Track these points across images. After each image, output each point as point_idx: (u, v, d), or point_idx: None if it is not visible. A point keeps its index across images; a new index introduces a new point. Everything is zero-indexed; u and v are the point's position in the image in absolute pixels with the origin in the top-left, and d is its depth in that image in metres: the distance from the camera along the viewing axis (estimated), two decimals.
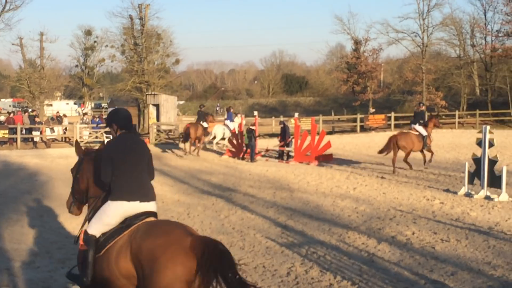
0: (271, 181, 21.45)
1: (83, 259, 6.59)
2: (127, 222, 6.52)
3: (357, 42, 64.77)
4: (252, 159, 28.53)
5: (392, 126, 48.23)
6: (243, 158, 28.96)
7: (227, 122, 35.41)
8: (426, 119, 25.35)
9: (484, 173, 17.15)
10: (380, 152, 24.24)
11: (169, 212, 15.72)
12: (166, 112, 46.07)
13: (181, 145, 33.75)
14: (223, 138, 34.56)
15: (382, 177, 21.74)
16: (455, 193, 17.77)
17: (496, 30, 59.26)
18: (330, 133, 41.60)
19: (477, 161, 17.62)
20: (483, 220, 13.93)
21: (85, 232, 6.70)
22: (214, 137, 34.53)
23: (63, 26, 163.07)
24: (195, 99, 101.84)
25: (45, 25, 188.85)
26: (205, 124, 32.27)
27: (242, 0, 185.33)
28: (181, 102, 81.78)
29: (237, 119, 34.43)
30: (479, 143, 17.62)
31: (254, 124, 30.07)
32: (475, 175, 17.66)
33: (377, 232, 12.89)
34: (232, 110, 38.10)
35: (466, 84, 63.05)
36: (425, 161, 24.33)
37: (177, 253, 5.80)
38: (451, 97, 63.19)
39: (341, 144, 36.31)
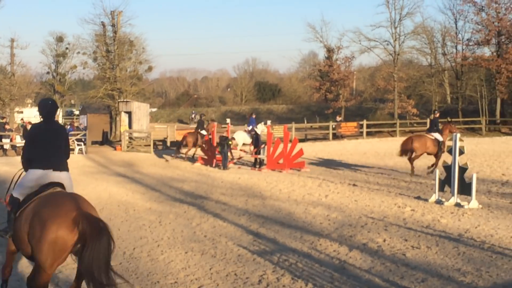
0: (243, 189, 21.44)
1: (8, 217, 8.17)
2: (39, 190, 7.90)
3: (329, 50, 65.08)
4: (225, 167, 28.51)
5: (364, 133, 48.51)
6: (225, 167, 28.81)
7: (249, 128, 36.07)
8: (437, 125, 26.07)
9: (455, 180, 17.28)
10: (402, 154, 25.11)
11: (140, 220, 15.64)
12: (138, 120, 45.88)
13: (183, 150, 33.72)
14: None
15: (354, 185, 21.83)
16: (426, 200, 17.90)
17: (467, 39, 59.92)
18: (302, 140, 41.67)
19: (448, 168, 17.77)
20: (453, 227, 14.03)
21: (11, 195, 8.21)
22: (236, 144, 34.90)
23: (35, 33, 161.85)
24: (167, 106, 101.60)
25: (16, 31, 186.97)
26: (203, 132, 32.47)
27: (214, 7, 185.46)
28: (154, 110, 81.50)
29: (260, 126, 34.65)
30: (450, 150, 17.77)
31: (227, 132, 30.11)
32: (445, 182, 17.80)
33: (349, 239, 12.93)
34: (254, 116, 39.03)
35: (437, 92, 63.62)
36: (433, 165, 24.79)
37: (62, 222, 7.10)
38: (423, 105, 63.73)
39: (314, 151, 36.42)
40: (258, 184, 22.58)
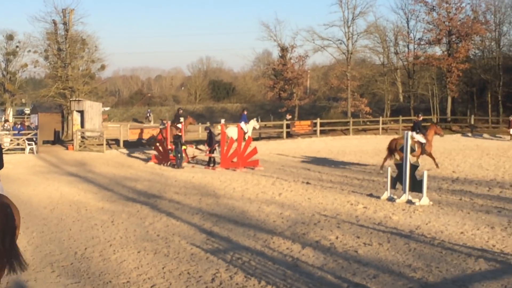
0: (197, 188, 21.38)
1: None
2: None
3: (283, 49, 65.24)
4: (179, 166, 28.40)
5: (318, 132, 48.75)
6: (178, 166, 28.64)
7: (242, 124, 36.08)
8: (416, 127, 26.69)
9: (406, 178, 17.49)
10: (390, 156, 25.12)
11: (92, 219, 15.49)
12: (91, 119, 45.34)
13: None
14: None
15: (307, 183, 21.93)
16: (378, 197, 18.08)
17: (419, 38, 60.67)
18: (256, 139, 41.73)
19: (399, 166, 17.98)
20: (404, 223, 14.20)
21: None
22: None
23: None
24: (121, 105, 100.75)
25: None
26: (179, 126, 33.13)
27: (169, 6, 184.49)
28: (107, 108, 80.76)
29: (252, 122, 36.89)
30: (401, 148, 17.98)
31: (180, 130, 29.98)
32: (397, 180, 18.00)
33: (302, 237, 12.99)
34: (245, 112, 39.46)
35: (389, 90, 64.27)
36: (436, 164, 25.73)
37: None
38: (375, 104, 64.35)
39: (268, 150, 36.49)
40: (212, 183, 22.54)
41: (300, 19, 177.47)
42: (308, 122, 50.13)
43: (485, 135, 46.86)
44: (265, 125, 53.32)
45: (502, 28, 61.22)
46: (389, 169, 18.31)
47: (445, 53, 57.37)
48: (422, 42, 59.71)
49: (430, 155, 26.11)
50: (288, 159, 31.61)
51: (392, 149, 25.01)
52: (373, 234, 13.04)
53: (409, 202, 17.11)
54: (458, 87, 58.11)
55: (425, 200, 16.86)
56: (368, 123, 55.68)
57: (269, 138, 47.06)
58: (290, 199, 18.34)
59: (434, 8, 57.58)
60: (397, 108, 63.58)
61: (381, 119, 53.30)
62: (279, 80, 62.71)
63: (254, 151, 28.07)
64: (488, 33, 58.98)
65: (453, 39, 56.85)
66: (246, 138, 34.94)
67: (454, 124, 56.30)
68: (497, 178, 22.53)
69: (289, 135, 47.53)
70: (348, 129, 51.52)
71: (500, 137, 45.92)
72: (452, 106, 58.96)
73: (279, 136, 47.92)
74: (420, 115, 28.67)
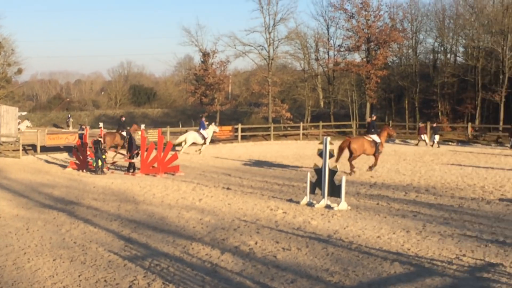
0: (116, 194, 21.07)
1: None
2: None
3: (205, 54, 65.09)
4: (99, 171, 27.94)
5: (239, 137, 48.83)
6: (97, 172, 28.12)
7: (201, 130, 37.66)
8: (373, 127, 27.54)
9: (325, 183, 17.70)
10: (337, 160, 25.88)
11: (7, 227, 15.06)
12: (6, 124, 44.14)
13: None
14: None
15: (228, 188, 21.91)
16: (298, 202, 18.23)
17: (338, 45, 61.61)
18: (179, 144, 41.53)
19: (318, 171, 18.16)
20: (323, 228, 14.36)
21: None
22: (184, 143, 37.10)
23: None
24: (38, 110, 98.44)
25: None
26: (124, 134, 33.54)
27: (89, 9, 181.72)
28: (24, 113, 78.81)
29: (211, 127, 38.09)
30: (320, 153, 18.17)
31: (100, 136, 29.55)
32: (316, 185, 18.18)
33: (221, 242, 12.96)
34: (203, 119, 39.81)
35: (310, 96, 65.05)
36: (372, 166, 27.05)
37: None
38: (296, 109, 65.00)
39: (188, 156, 36.34)
40: (131, 189, 22.27)
41: (222, 24, 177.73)
42: (229, 128, 50.17)
43: (397, 140, 47.88)
44: (186, 130, 52.98)
45: (419, 36, 62.91)
46: (308, 174, 18.48)
47: (364, 60, 58.47)
48: (341, 49, 60.70)
49: (378, 155, 27.10)
50: (209, 165, 31.53)
51: (343, 148, 26.19)
52: (292, 239, 13.12)
53: (328, 207, 17.31)
54: (376, 94, 59.33)
55: (343, 205, 17.10)
56: (289, 128, 56.16)
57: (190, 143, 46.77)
58: (210, 204, 18.29)
59: (354, 15, 58.63)
60: (317, 114, 64.40)
61: (301, 124, 53.81)
62: (201, 85, 62.58)
63: (175, 156, 27.88)
64: (405, 40, 60.42)
65: (372, 46, 58.00)
66: (207, 143, 37.68)
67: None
68: (413, 183, 23.05)
69: (211, 141, 47.41)
70: (269, 134, 51.80)
71: (408, 142, 47.47)
72: (371, 112, 59.91)
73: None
74: (373, 115, 29.63)
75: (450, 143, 46.83)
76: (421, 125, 46.78)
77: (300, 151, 40.05)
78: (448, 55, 63.71)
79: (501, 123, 51.05)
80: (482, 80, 55.79)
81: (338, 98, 65.33)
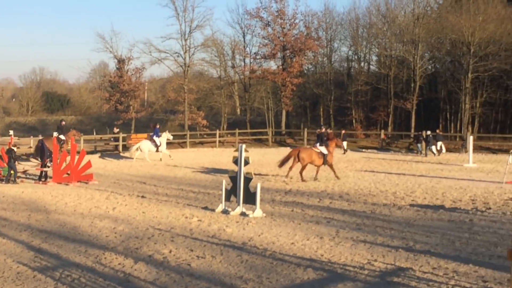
0: (27, 203, 20.51)
1: None
2: None
3: (120, 61, 64.25)
4: (9, 180, 27.10)
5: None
6: (7, 181, 27.25)
7: (154, 137, 38.43)
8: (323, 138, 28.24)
9: (240, 190, 17.72)
10: (281, 164, 27.54)
11: None
12: None
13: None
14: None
15: (142, 197, 21.67)
16: (213, 210, 18.19)
17: (254, 53, 61.93)
18: (91, 152, 40.89)
19: (234, 178, 18.17)
20: (238, 235, 14.36)
21: None
22: (139, 151, 38.22)
23: None
24: None
25: None
26: (62, 137, 33.66)
27: None
28: None
29: (165, 135, 39.04)
30: (236, 161, 18.19)
31: (14, 144, 28.74)
32: (231, 192, 18.19)
33: (135, 251, 12.79)
34: (158, 126, 40.54)
35: (226, 104, 65.13)
36: (317, 175, 27.43)
37: None
38: (213, 117, 64.98)
39: (103, 163, 35.81)
40: (42, 198, 21.73)
41: (137, 31, 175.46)
42: (145, 135, 49.52)
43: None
44: (101, 138, 52.23)
45: (333, 45, 63.96)
46: (224, 182, 18.47)
47: (280, 67, 58.98)
48: (258, 57, 61.03)
49: (331, 166, 27.49)
50: (123, 173, 31.14)
51: (290, 157, 27.10)
52: (207, 247, 13.07)
53: (243, 214, 17.34)
54: (292, 101, 59.97)
55: (258, 212, 17.16)
56: (205, 136, 56.05)
57: (105, 151, 46.14)
58: (124, 213, 18.04)
59: (269, 23, 59.10)
60: (234, 121, 64.55)
61: (218, 132, 53.78)
62: (116, 92, 61.68)
63: (88, 164, 27.39)
64: (320, 49, 61.30)
65: (288, 54, 58.59)
66: (162, 152, 38.44)
67: (288, 137, 57.93)
68: (327, 190, 23.37)
69: (126, 149, 46.85)
70: (185, 142, 51.52)
71: None
72: (286, 120, 60.65)
73: (116, 150, 47.09)
74: (322, 127, 31.00)
75: (363, 150, 47.73)
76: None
77: (216, 158, 40.04)
78: (362, 64, 65.08)
79: (412, 130, 52.35)
80: (394, 88, 57.14)
81: (255, 106, 65.67)
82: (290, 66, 57.22)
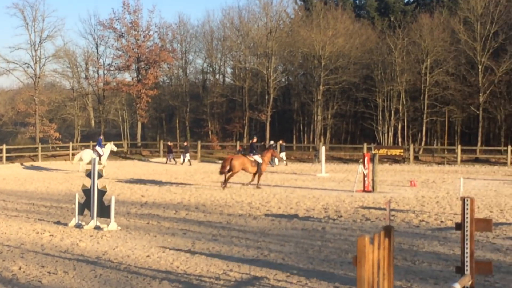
0: None
1: None
2: None
3: None
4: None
5: (4, 159, 46.43)
6: None
7: (97, 148, 38.80)
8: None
9: (94, 203, 17.34)
10: (221, 172, 28.06)
11: None
12: None
13: None
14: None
15: None
16: (66, 224, 17.68)
17: (108, 64, 61.30)
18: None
19: (87, 192, 17.76)
20: (91, 250, 14.03)
21: None
22: (81, 160, 38.04)
23: None
24: None
25: None
26: None
27: None
28: None
29: (109, 146, 39.59)
30: (89, 174, 17.80)
31: None
32: (85, 206, 17.75)
33: None
34: (101, 137, 41.21)
35: (80, 116, 63.88)
36: (252, 181, 28.77)
37: None
38: (66, 129, 63.54)
39: None
40: None
41: None
42: None
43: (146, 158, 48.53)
44: None
45: (188, 57, 64.39)
46: (77, 195, 18.01)
47: (135, 79, 58.58)
48: (112, 68, 60.45)
49: (260, 175, 28.62)
50: None
51: (226, 166, 27.75)
52: (59, 262, 12.67)
53: (97, 228, 16.97)
54: (147, 113, 59.70)
55: (113, 225, 16.86)
56: (58, 148, 54.58)
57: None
58: None
59: (123, 34, 58.63)
60: (88, 133, 63.35)
61: (71, 144, 52.53)
62: None
63: None
64: (175, 61, 61.48)
65: (142, 66, 58.31)
66: (103, 163, 37.82)
67: (144, 149, 57.50)
68: (183, 201, 23.34)
69: None
70: (36, 155, 49.87)
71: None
72: (142, 131, 60.30)
73: None
74: (254, 137, 33.04)
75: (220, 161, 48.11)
76: (170, 144, 48.39)
77: (69, 172, 39.05)
78: (217, 76, 65.95)
79: (267, 141, 53.43)
80: (249, 100, 58.22)
81: (109, 118, 64.81)
82: (145, 78, 56.97)
